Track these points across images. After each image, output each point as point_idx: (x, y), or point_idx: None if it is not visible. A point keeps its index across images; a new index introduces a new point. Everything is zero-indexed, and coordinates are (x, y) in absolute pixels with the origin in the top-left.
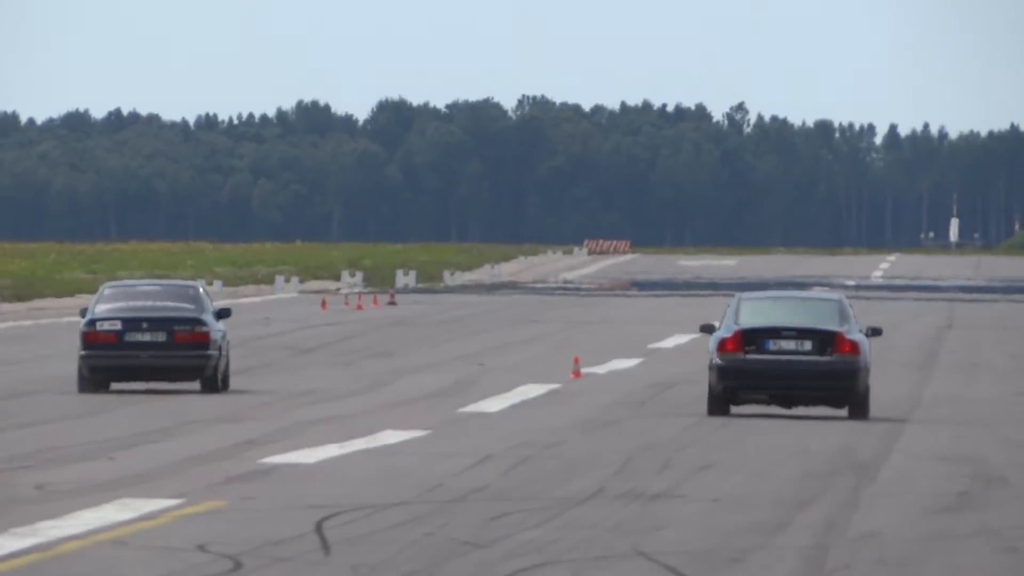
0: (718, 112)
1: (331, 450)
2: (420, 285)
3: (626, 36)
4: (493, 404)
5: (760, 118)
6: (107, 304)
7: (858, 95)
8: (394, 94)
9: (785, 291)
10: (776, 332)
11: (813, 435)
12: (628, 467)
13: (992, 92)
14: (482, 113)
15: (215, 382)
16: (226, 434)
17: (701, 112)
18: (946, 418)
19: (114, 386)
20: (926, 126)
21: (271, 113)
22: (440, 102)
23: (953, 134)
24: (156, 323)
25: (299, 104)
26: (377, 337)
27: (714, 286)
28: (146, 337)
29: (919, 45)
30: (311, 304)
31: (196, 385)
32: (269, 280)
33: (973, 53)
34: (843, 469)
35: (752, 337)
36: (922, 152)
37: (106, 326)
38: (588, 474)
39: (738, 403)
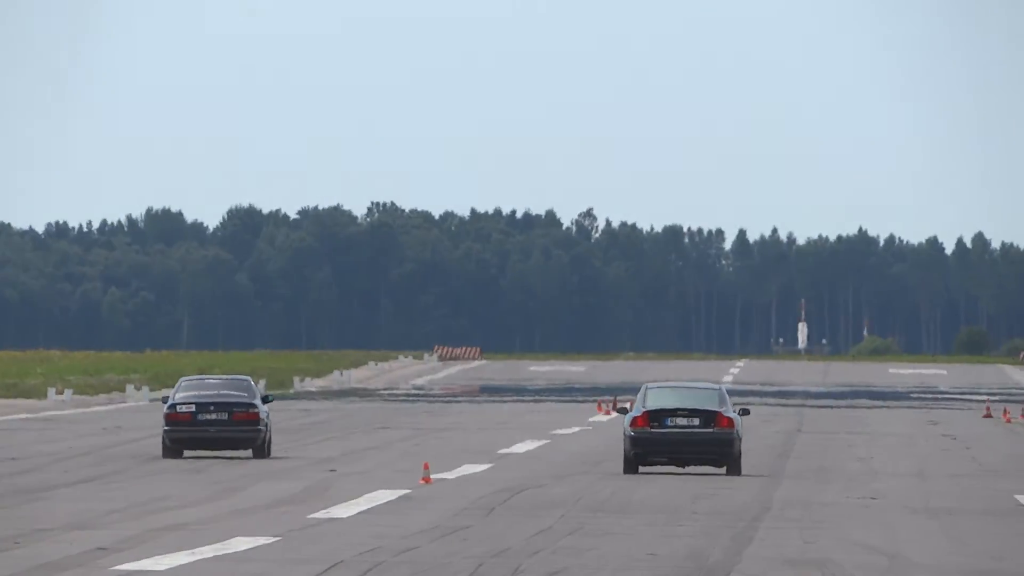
0: (567, 218)
1: (180, 557)
2: (269, 392)
3: (475, 143)
4: (344, 510)
5: (608, 223)
6: (183, 392)
7: (707, 200)
8: (244, 201)
9: (680, 382)
10: (673, 412)
11: (663, 540)
12: (478, 574)
13: (839, 196)
14: (332, 219)
15: (263, 450)
16: (77, 541)
17: (551, 218)
18: (796, 522)
19: (187, 453)
20: (774, 231)
21: (122, 220)
22: (290, 208)
23: (801, 239)
24: (220, 406)
25: (149, 211)
26: None
27: (564, 391)
28: (213, 416)
29: (765, 148)
30: (161, 412)
31: (249, 453)
32: (120, 388)
33: (818, 156)
34: (692, 575)
35: (656, 415)
36: (771, 257)
37: (183, 408)
38: None
39: (645, 464)
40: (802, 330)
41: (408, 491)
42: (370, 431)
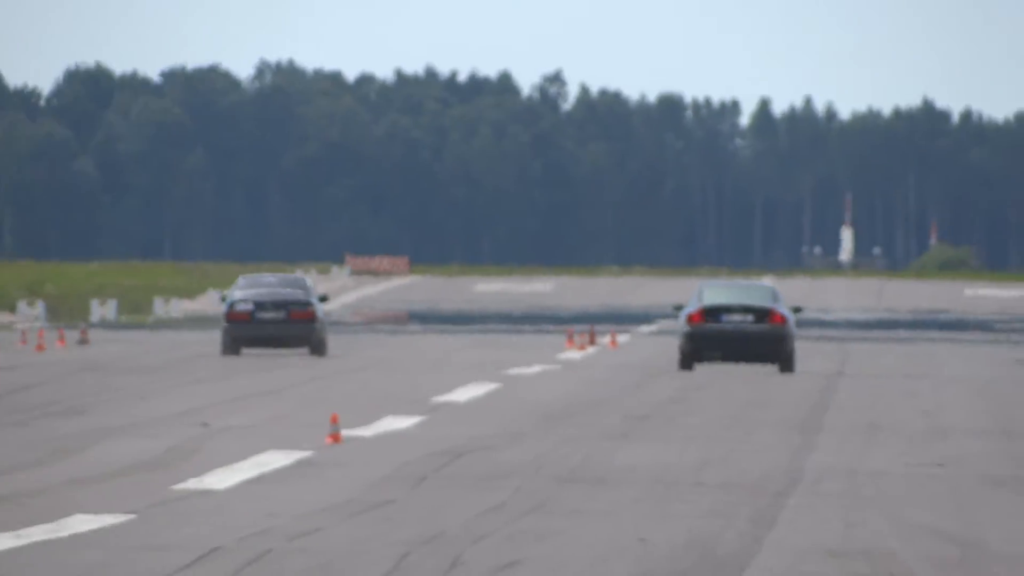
0: (527, 83)
1: (3, 540)
2: (123, 319)
3: None
4: (221, 479)
5: (584, 91)
6: (242, 291)
7: (716, 60)
8: (88, 59)
9: (735, 280)
10: (728, 309)
11: (656, 522)
12: (404, 566)
13: (897, 54)
14: (206, 84)
15: (320, 348)
16: None
17: (505, 84)
18: (836, 498)
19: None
20: (808, 101)
21: None
22: (150, 69)
23: (845, 113)
24: (278, 304)
25: None
26: (64, 388)
27: (523, 318)
28: (270, 315)
29: None
30: None
31: (305, 351)
32: None
33: (867, 5)
34: (694, 570)
35: (711, 312)
36: (803, 137)
37: (241, 307)
38: (349, 575)
39: (700, 360)
40: (846, 236)
41: (309, 453)
42: (257, 371)
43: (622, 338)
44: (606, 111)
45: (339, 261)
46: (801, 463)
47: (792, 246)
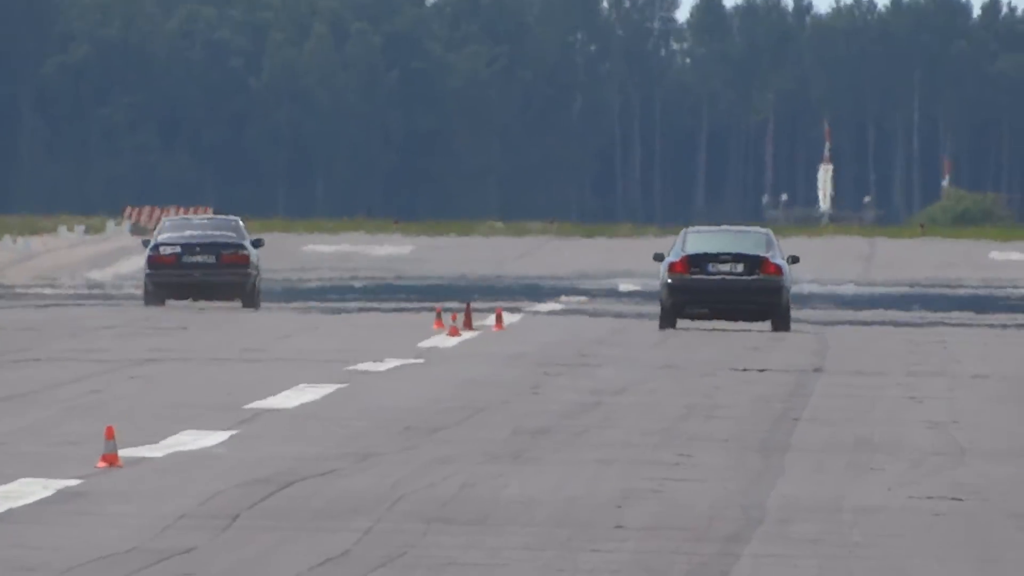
0: None
1: None
2: None
3: None
4: None
5: None
6: (167, 233)
7: None
8: None
9: (723, 226)
10: (715, 257)
11: None
12: None
13: None
14: None
15: (252, 298)
16: None
17: None
18: (811, 545)
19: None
20: None
21: None
22: None
23: (823, 4)
24: (207, 247)
25: None
26: None
27: (373, 291)
28: (199, 259)
29: None
30: None
31: (238, 303)
32: None
33: None
34: None
35: (696, 261)
36: (765, 37)
37: (167, 250)
38: None
39: (683, 316)
40: (825, 178)
41: (77, 481)
42: (4, 365)
43: (511, 318)
44: (489, 1)
45: (116, 213)
46: (762, 496)
47: (749, 192)
